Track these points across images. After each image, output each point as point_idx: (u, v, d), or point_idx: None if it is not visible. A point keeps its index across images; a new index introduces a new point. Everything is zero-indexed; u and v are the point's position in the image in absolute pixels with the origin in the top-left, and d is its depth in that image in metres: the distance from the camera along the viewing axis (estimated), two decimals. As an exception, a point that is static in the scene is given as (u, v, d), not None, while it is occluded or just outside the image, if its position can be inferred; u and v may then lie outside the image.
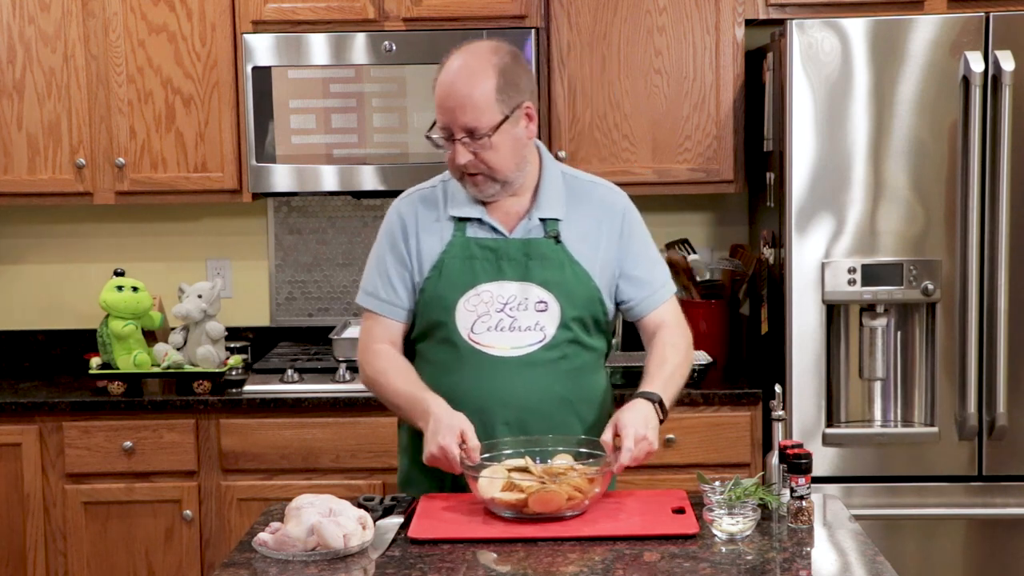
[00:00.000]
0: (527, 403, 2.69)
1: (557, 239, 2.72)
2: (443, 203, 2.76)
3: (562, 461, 2.56)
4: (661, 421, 2.62)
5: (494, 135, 2.62)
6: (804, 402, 3.64)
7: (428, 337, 2.76)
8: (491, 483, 2.47)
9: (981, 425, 3.60)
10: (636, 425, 2.54)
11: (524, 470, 2.50)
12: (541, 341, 2.70)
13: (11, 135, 4.03)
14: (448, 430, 2.54)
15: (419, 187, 2.84)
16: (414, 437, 2.74)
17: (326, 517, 2.35)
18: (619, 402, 2.98)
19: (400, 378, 2.73)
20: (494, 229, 2.72)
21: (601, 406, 2.81)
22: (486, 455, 2.57)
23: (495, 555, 2.36)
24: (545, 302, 2.70)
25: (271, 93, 3.92)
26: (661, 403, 2.64)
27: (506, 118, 2.63)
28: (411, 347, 2.82)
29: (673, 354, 2.76)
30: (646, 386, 2.67)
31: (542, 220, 2.73)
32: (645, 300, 2.80)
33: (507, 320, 2.69)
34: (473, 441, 2.54)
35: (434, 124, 2.68)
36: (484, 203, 2.74)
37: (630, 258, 2.78)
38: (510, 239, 2.71)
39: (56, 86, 4.01)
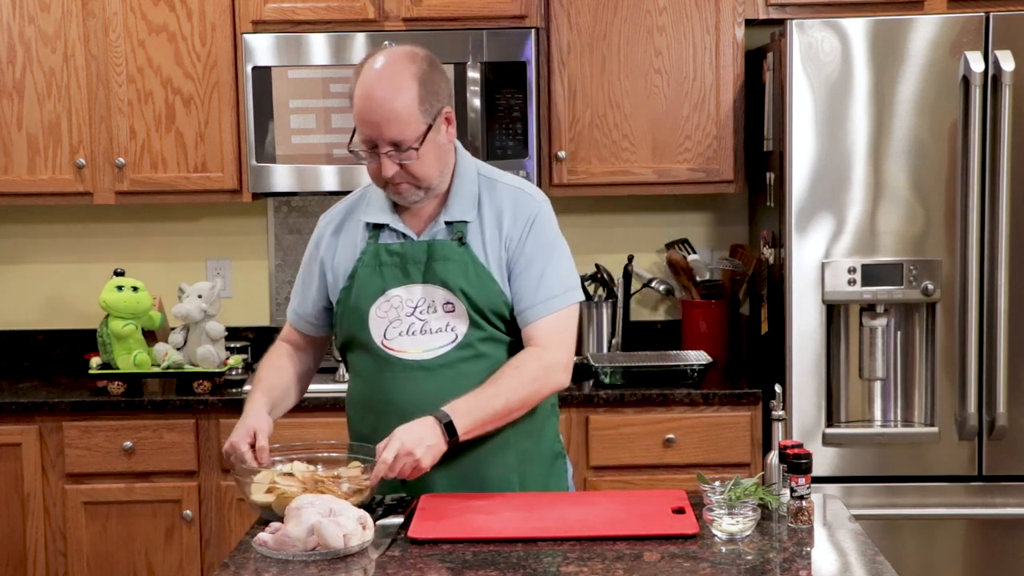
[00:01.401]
0: (438, 405, 2.60)
1: (461, 241, 2.69)
2: (360, 211, 2.76)
3: (353, 471, 2.58)
4: (450, 442, 2.55)
5: (420, 146, 2.59)
6: (804, 402, 3.64)
7: (351, 347, 2.78)
8: (260, 486, 2.56)
9: (981, 425, 3.60)
10: (404, 440, 2.50)
11: (292, 475, 2.57)
12: (453, 342, 2.68)
13: (11, 135, 4.03)
14: (241, 428, 2.64)
15: (344, 199, 2.85)
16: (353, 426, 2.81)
17: (326, 517, 2.36)
18: (564, 401, 2.99)
19: (260, 374, 2.85)
20: (404, 234, 2.71)
21: None
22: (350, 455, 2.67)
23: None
24: (452, 303, 2.68)
25: (271, 93, 3.92)
26: (451, 424, 2.55)
27: (429, 127, 2.60)
28: (344, 358, 2.86)
29: (510, 376, 2.63)
30: (451, 404, 2.58)
31: (449, 223, 2.70)
32: (525, 311, 2.68)
33: (418, 324, 2.68)
34: (262, 442, 2.63)
35: (353, 134, 2.63)
36: (398, 208, 2.72)
37: (519, 266, 2.69)
38: (416, 242, 2.70)
39: (56, 86, 4.01)
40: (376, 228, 2.73)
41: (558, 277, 2.70)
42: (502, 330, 2.70)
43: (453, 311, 2.67)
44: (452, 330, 2.68)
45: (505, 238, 2.70)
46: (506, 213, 2.71)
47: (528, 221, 2.70)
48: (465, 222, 2.69)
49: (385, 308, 2.70)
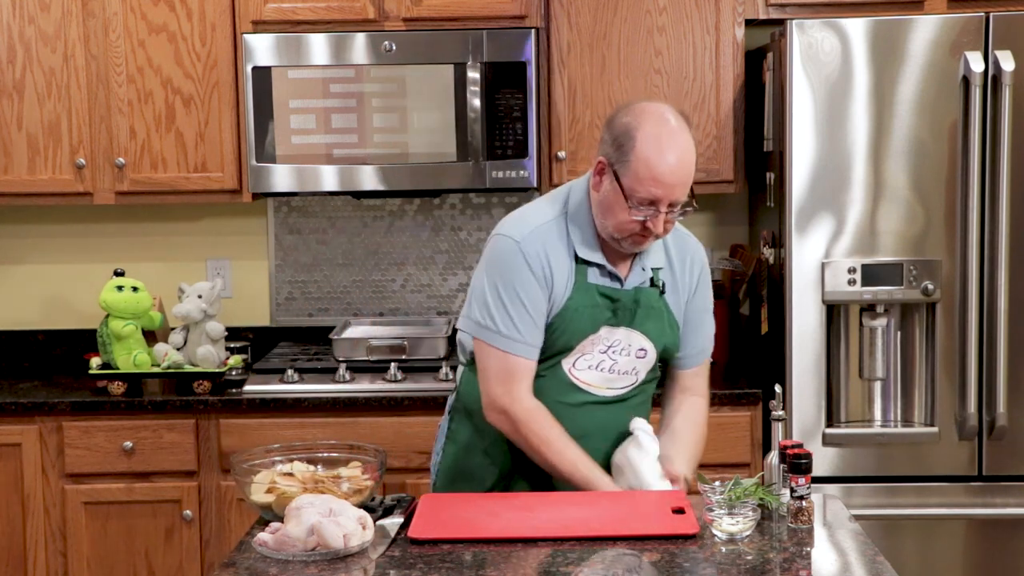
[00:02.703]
0: (605, 434, 2.80)
1: (663, 291, 2.79)
2: (568, 241, 2.73)
3: (353, 471, 2.62)
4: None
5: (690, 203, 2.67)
6: (804, 402, 3.64)
7: None
8: (260, 486, 2.58)
9: (981, 425, 3.60)
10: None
11: (292, 475, 2.60)
12: (632, 384, 2.81)
13: (11, 135, 4.03)
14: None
15: (535, 223, 2.75)
16: (475, 430, 2.82)
17: (326, 517, 2.36)
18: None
19: (569, 450, 2.71)
20: (611, 275, 2.75)
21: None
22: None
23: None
24: (645, 350, 2.78)
25: (271, 93, 3.92)
26: None
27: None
28: None
29: (703, 430, 2.90)
30: (682, 457, 2.80)
31: (651, 269, 2.78)
32: (691, 356, 2.90)
33: (608, 362, 2.77)
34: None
35: (623, 192, 2.63)
36: (600, 243, 2.75)
37: (696, 313, 2.86)
38: (625, 289, 2.75)
39: (56, 86, 4.01)
40: (581, 263, 2.74)
41: (711, 326, 2.93)
42: (661, 367, 2.88)
43: (644, 357, 2.79)
44: (636, 373, 2.80)
45: (688, 287, 2.83)
46: (691, 264, 2.84)
47: (703, 268, 2.87)
48: (659, 268, 2.79)
49: (584, 342, 2.75)
